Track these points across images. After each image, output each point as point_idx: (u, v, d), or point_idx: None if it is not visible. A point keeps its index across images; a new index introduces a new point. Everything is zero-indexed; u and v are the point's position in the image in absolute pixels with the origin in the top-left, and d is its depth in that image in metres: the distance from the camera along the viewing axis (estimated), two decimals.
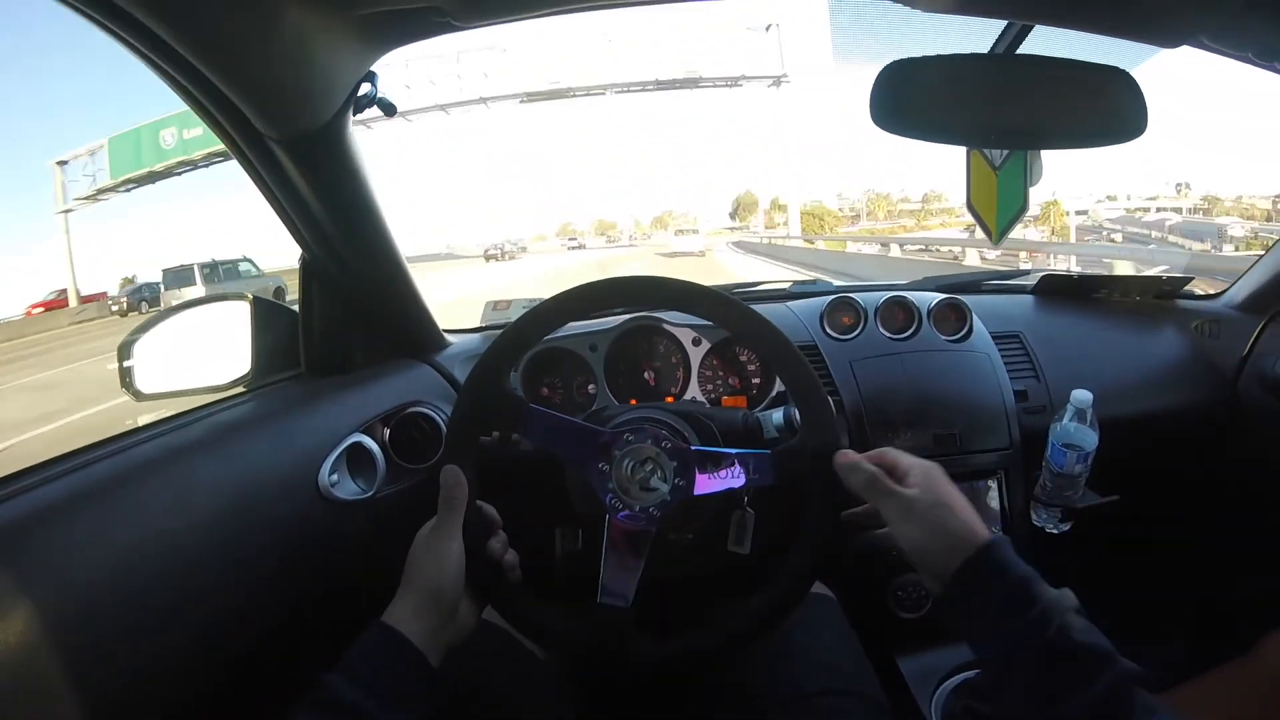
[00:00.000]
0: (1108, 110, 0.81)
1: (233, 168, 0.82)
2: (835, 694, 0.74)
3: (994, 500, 1.01)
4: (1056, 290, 1.31)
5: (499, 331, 0.69)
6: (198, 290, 10.82)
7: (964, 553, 0.54)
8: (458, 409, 0.68)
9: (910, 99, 0.81)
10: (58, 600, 0.54)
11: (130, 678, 0.59)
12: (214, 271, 11.91)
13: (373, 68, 0.77)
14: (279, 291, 10.59)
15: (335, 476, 0.81)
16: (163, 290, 11.97)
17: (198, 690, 0.66)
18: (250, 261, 12.74)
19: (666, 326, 1.07)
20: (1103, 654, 0.48)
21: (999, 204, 0.96)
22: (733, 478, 0.64)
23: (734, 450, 0.65)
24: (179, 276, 11.79)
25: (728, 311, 0.67)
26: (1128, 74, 0.76)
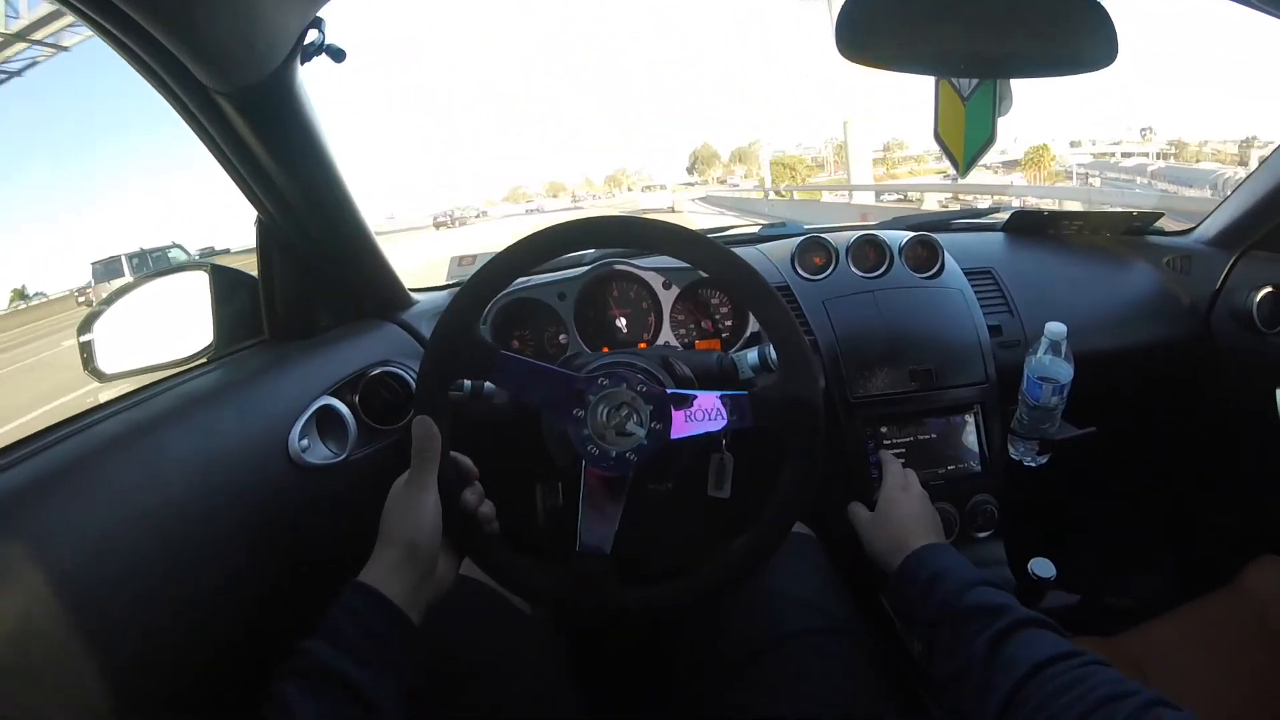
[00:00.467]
0: (1078, 39, 0.80)
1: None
2: (820, 633, 0.74)
3: (971, 436, 1.02)
4: (1027, 227, 1.31)
5: (459, 289, 0.67)
6: (127, 280, 10.64)
7: (903, 553, 0.73)
8: (427, 358, 0.66)
9: (877, 26, 0.80)
10: (32, 588, 0.53)
11: (112, 661, 0.57)
12: (143, 260, 11.87)
13: (320, 14, 0.74)
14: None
15: (305, 441, 0.79)
16: (93, 284, 11.81)
17: (183, 667, 0.65)
18: (180, 247, 12.81)
19: (635, 271, 1.06)
20: (1003, 605, 0.60)
21: (966, 135, 0.95)
22: (710, 420, 0.64)
23: (711, 392, 0.64)
24: (108, 268, 11.74)
25: (702, 253, 0.66)
26: (1097, 2, 0.75)
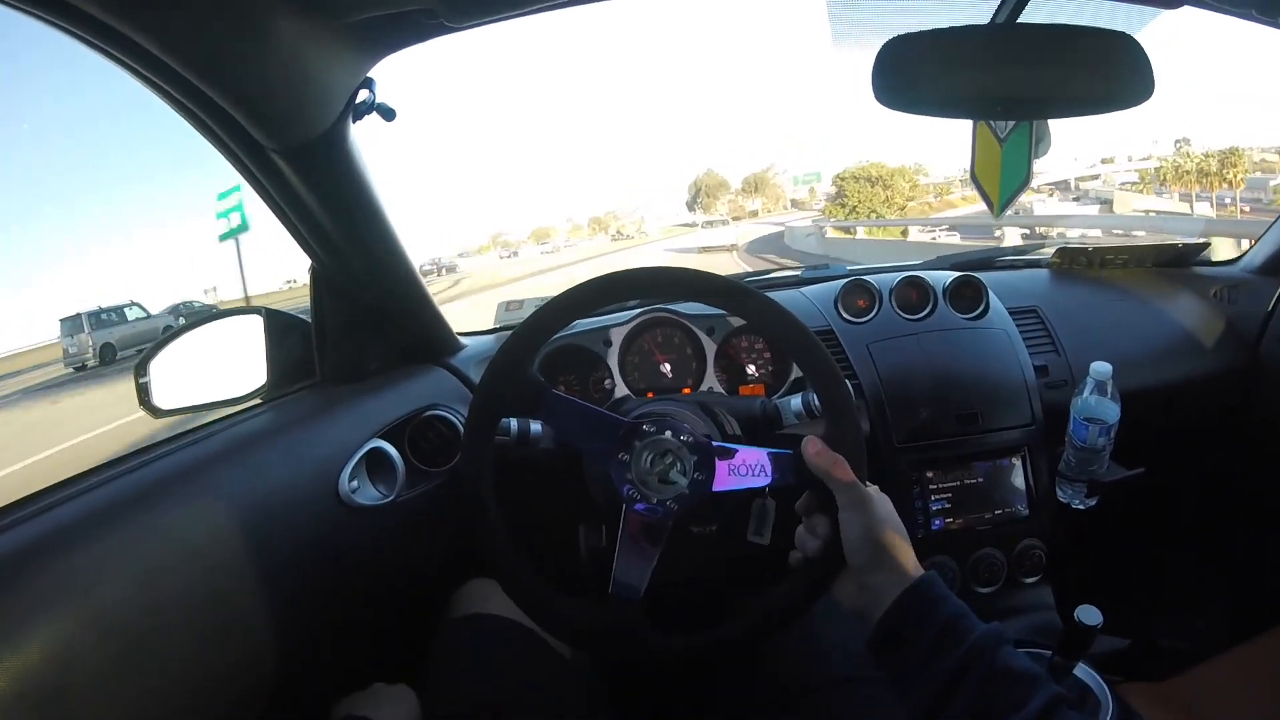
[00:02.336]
0: (1113, 75, 0.79)
1: None
2: (862, 681, 0.73)
3: (1019, 478, 1.00)
4: (1071, 263, 1.29)
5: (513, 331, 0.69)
6: (85, 338, 12.02)
7: (902, 582, 0.56)
8: (481, 390, 0.68)
9: (912, 74, 0.80)
10: (82, 620, 0.55)
11: (159, 695, 0.59)
12: (98, 318, 12.65)
13: (371, 74, 0.77)
14: (168, 329, 11.20)
15: (355, 483, 0.81)
16: (61, 339, 12.72)
17: (228, 703, 0.66)
18: (138, 305, 13.52)
19: (679, 318, 1.07)
20: (1035, 677, 0.51)
21: (1003, 176, 0.95)
22: (754, 476, 0.63)
23: (757, 449, 0.64)
24: (73, 324, 12.53)
25: (744, 303, 0.67)
26: (1131, 38, 0.74)
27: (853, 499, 0.59)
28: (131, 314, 13.18)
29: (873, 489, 0.61)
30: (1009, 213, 1.01)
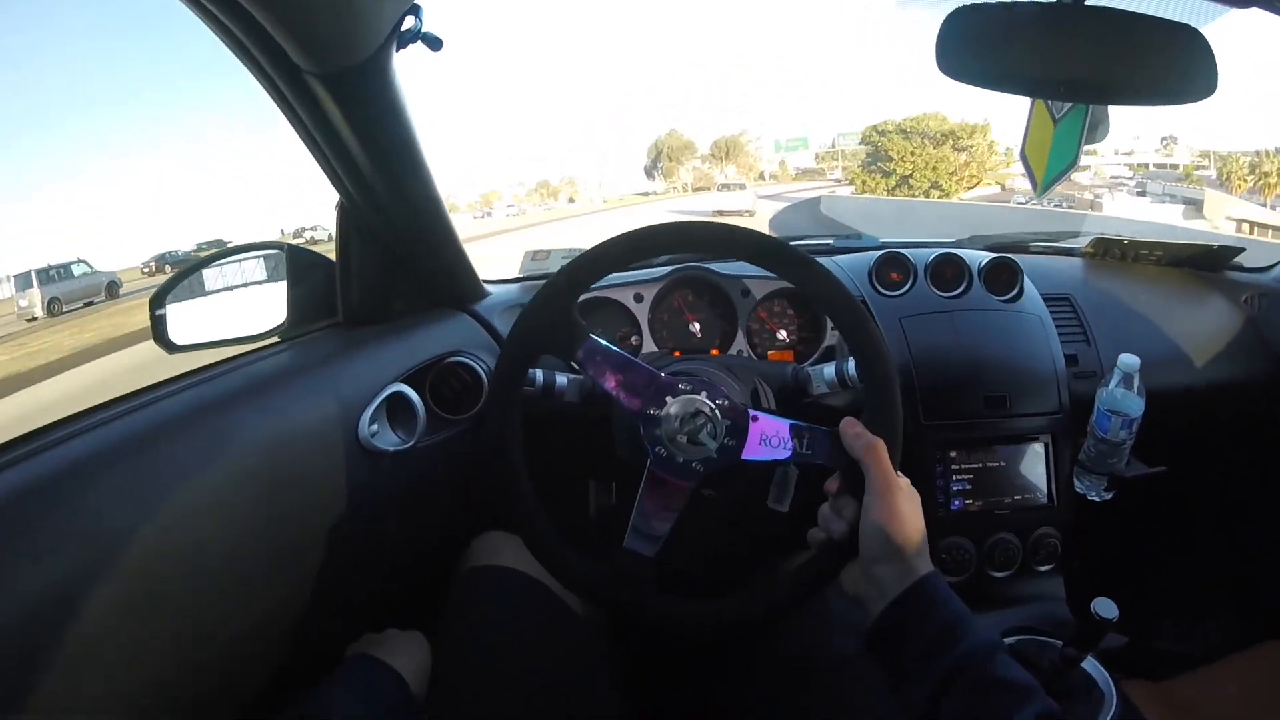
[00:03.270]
0: (1176, 68, 0.78)
1: None
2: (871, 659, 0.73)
3: (1040, 466, 1.00)
4: (1105, 254, 1.27)
5: (539, 281, 0.67)
6: (34, 292, 12.42)
7: (907, 578, 0.56)
8: (518, 327, 0.66)
9: (977, 46, 0.79)
10: (92, 554, 0.54)
11: (170, 635, 0.58)
12: (47, 275, 13.09)
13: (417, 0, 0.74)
14: (112, 285, 13.52)
15: (375, 427, 0.79)
16: (14, 294, 13.08)
17: (238, 644, 0.66)
18: (85, 263, 13.97)
19: (714, 277, 1.06)
20: (1027, 688, 0.51)
21: (1051, 156, 0.94)
22: (784, 450, 0.62)
23: (793, 421, 0.63)
24: (23, 280, 12.94)
25: (803, 273, 0.65)
26: (1197, 31, 0.73)
27: (882, 486, 0.58)
28: (78, 270, 13.79)
29: (903, 481, 0.61)
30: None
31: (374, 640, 0.75)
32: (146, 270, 17.96)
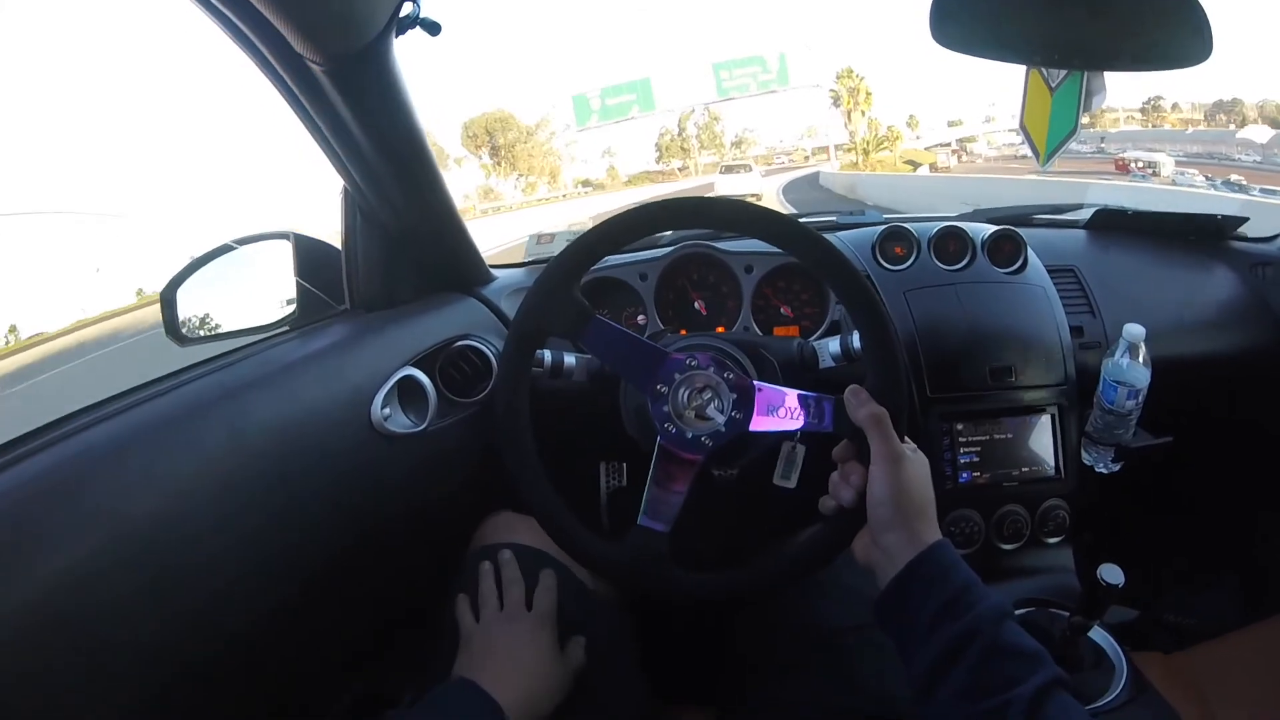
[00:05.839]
0: (1172, 33, 0.78)
1: None
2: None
3: (1047, 437, 1.00)
4: (1109, 225, 1.27)
5: (545, 264, 0.68)
6: None
7: (916, 546, 0.56)
8: (526, 302, 0.67)
9: (972, 14, 0.79)
10: (112, 540, 0.55)
11: (186, 616, 0.59)
12: None
13: None
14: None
15: (387, 410, 0.80)
16: None
17: (261, 622, 0.67)
18: None
19: (718, 254, 1.06)
20: (1035, 655, 0.51)
21: (1050, 125, 0.93)
22: (791, 420, 0.63)
23: (799, 390, 0.63)
24: None
25: (810, 248, 0.65)
26: None
27: (888, 454, 0.58)
28: None
29: (910, 447, 0.61)
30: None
31: (475, 663, 0.69)
32: None
